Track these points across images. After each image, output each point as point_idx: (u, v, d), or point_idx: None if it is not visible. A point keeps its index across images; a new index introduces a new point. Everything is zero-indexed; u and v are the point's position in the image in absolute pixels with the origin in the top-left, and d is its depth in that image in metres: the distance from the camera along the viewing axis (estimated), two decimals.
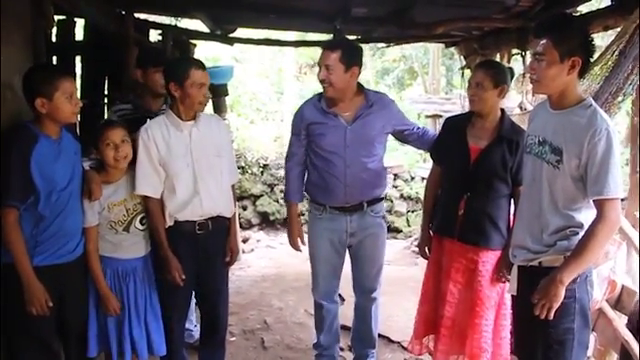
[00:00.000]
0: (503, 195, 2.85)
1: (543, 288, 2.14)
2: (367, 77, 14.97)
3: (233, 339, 3.89)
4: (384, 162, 3.19)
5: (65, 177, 2.39)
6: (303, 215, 7.77)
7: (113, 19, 4.07)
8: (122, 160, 2.59)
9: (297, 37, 8.99)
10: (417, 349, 3.20)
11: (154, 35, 5.10)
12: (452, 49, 6.13)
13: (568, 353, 2.22)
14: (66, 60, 4.05)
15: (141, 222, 2.70)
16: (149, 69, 2.97)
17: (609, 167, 2.05)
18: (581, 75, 2.20)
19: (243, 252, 6.22)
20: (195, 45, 5.72)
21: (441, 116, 11.07)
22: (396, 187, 8.29)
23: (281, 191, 8.02)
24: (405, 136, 3.22)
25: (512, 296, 2.52)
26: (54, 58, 3.79)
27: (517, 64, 4.85)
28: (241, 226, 7.14)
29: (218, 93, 5.37)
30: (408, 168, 8.86)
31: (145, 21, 4.90)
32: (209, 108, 5.32)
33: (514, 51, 4.69)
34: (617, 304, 3.24)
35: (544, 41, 2.13)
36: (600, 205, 2.08)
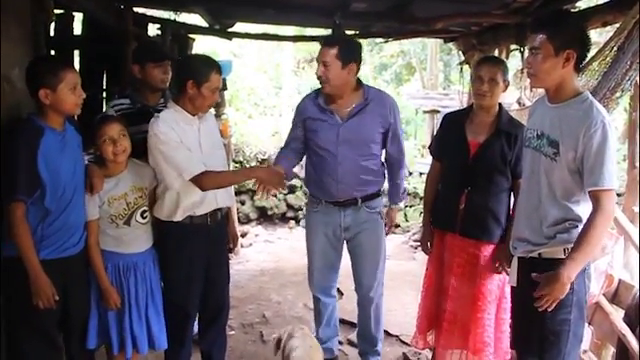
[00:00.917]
0: (503, 189, 2.87)
1: (548, 284, 2.14)
2: (365, 72, 14.95)
3: (232, 333, 3.90)
4: (381, 159, 3.18)
5: (69, 170, 2.39)
6: (301, 210, 7.83)
7: (112, 13, 4.06)
8: (121, 154, 2.58)
9: (295, 32, 8.97)
10: (421, 344, 3.22)
11: (153, 29, 5.09)
12: (450, 45, 6.14)
13: (563, 344, 2.25)
14: (64, 54, 4.04)
15: (142, 215, 2.70)
16: (147, 64, 2.96)
17: (604, 159, 2.08)
18: (578, 69, 2.23)
19: (242, 246, 6.23)
20: (194, 40, 5.72)
21: (439, 111, 11.09)
22: None
23: None
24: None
25: (512, 287, 2.54)
26: (52, 52, 3.78)
27: (515, 60, 4.87)
28: (239, 221, 7.16)
29: None
30: (406, 163, 8.88)
31: (144, 15, 4.89)
32: None
33: (512, 47, 4.69)
34: (614, 298, 3.26)
35: (539, 35, 2.17)
36: (596, 196, 2.12)
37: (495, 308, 2.93)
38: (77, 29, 4.34)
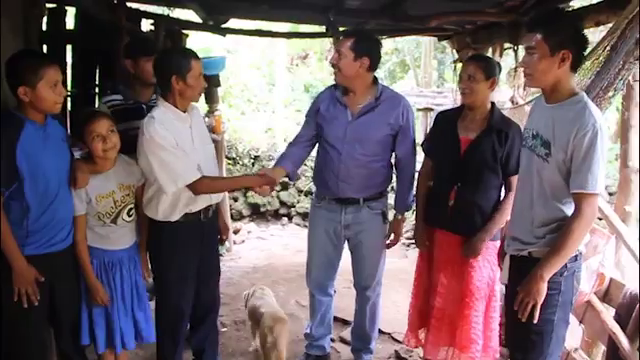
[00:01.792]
0: (493, 186, 2.88)
1: (525, 284, 2.18)
2: None
3: (224, 330, 3.90)
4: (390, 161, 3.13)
5: (53, 164, 2.37)
6: (294, 207, 7.84)
7: (105, 8, 4.03)
8: (110, 151, 2.56)
9: (289, 29, 8.95)
10: (413, 342, 3.23)
11: (146, 25, 5.06)
12: (444, 43, 6.15)
13: (545, 345, 2.26)
14: (57, 49, 4.00)
15: (128, 214, 2.69)
16: (140, 59, 2.94)
17: (591, 163, 2.08)
18: (574, 69, 2.22)
19: (234, 243, 6.22)
20: (187, 35, 5.69)
21: (432, 109, 11.08)
22: None
23: None
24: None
25: (505, 286, 2.55)
26: (44, 47, 3.75)
27: (509, 58, 4.88)
28: (232, 217, 7.14)
29: (210, 84, 5.32)
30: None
31: (137, 10, 4.86)
32: (201, 99, 5.31)
33: (506, 45, 4.70)
34: (605, 297, 3.27)
35: (535, 35, 2.16)
36: (577, 199, 2.13)
37: (484, 306, 2.94)
38: (70, 24, 4.31)
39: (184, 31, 5.52)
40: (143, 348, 3.11)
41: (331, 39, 5.49)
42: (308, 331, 3.49)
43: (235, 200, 7.79)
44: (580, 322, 3.31)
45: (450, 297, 2.96)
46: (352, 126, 2.98)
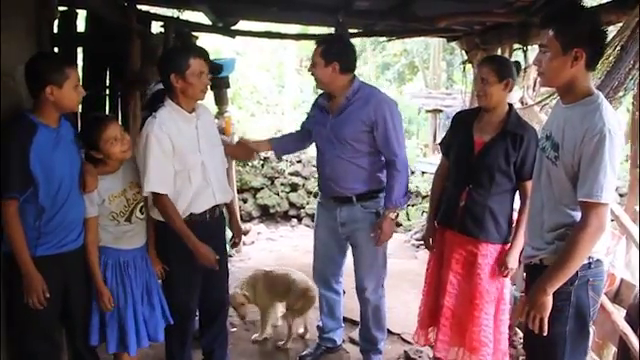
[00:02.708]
0: (505, 189, 2.86)
1: (530, 297, 2.09)
2: (368, 72, 14.96)
3: (234, 330, 3.91)
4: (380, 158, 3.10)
5: (65, 166, 2.39)
6: (303, 208, 7.84)
7: (115, 11, 4.06)
8: (128, 151, 2.59)
9: (299, 30, 8.97)
10: (422, 340, 3.24)
11: (156, 27, 5.10)
12: (453, 44, 6.13)
13: (560, 356, 2.14)
14: (68, 52, 4.04)
15: (141, 211, 2.71)
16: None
17: (598, 170, 1.94)
18: (590, 68, 2.07)
19: (244, 244, 6.24)
20: (197, 37, 5.72)
21: (441, 111, 11.10)
22: None
23: (282, 184, 8.04)
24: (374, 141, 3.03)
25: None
26: (56, 49, 3.79)
27: (519, 59, 4.86)
28: (241, 218, 7.16)
29: (219, 85, 5.37)
30: (408, 163, 8.85)
31: (147, 13, 4.89)
32: (211, 100, 5.34)
33: (516, 46, 4.69)
34: (616, 297, 3.26)
35: (547, 33, 2.06)
36: (584, 208, 2.00)
37: (494, 309, 2.93)
38: (81, 26, 4.35)
39: (194, 33, 5.54)
40: (152, 347, 3.12)
41: None
42: (320, 324, 3.58)
43: (245, 201, 7.81)
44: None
45: (459, 297, 2.95)
46: (331, 126, 3.05)
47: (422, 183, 8.36)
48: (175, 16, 5.32)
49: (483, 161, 2.84)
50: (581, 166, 1.99)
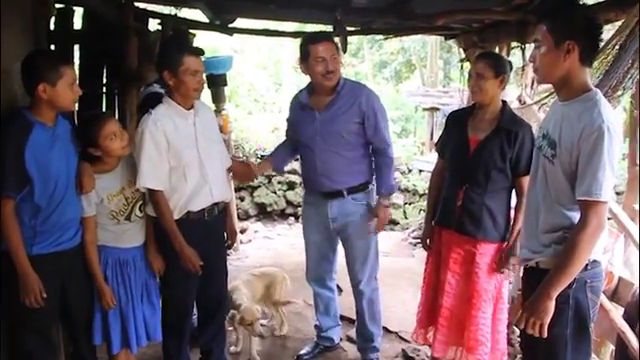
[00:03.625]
0: (502, 187, 2.86)
1: (531, 302, 2.03)
2: (365, 70, 14.95)
3: (231, 328, 3.90)
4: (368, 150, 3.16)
5: (61, 165, 2.38)
6: (300, 206, 7.83)
7: (112, 8, 4.04)
8: (127, 146, 2.59)
9: (296, 28, 8.96)
10: (421, 339, 3.24)
11: (153, 25, 5.08)
12: (450, 42, 6.12)
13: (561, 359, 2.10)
14: (64, 49, 4.02)
15: (140, 209, 2.71)
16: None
17: (597, 167, 1.90)
18: (585, 62, 2.02)
19: (241, 243, 6.23)
20: (194, 35, 5.70)
21: (438, 109, 11.11)
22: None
23: (279, 182, 8.04)
24: (365, 135, 3.09)
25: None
26: (52, 47, 3.77)
27: (516, 57, 4.86)
28: (239, 217, 7.16)
29: (217, 83, 5.36)
30: (405, 161, 8.88)
31: (144, 10, 4.87)
32: (208, 98, 5.32)
33: (513, 44, 4.68)
34: (614, 295, 3.27)
35: (541, 27, 2.04)
36: (583, 207, 1.95)
37: (491, 308, 2.93)
38: (77, 24, 4.32)
39: (191, 31, 5.52)
40: (150, 347, 3.11)
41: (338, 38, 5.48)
42: (317, 323, 3.59)
43: (242, 200, 7.81)
44: None
45: (458, 297, 2.96)
46: (320, 122, 3.04)
47: (419, 182, 8.37)
48: (172, 13, 5.30)
49: (479, 159, 2.84)
50: (579, 164, 1.95)
